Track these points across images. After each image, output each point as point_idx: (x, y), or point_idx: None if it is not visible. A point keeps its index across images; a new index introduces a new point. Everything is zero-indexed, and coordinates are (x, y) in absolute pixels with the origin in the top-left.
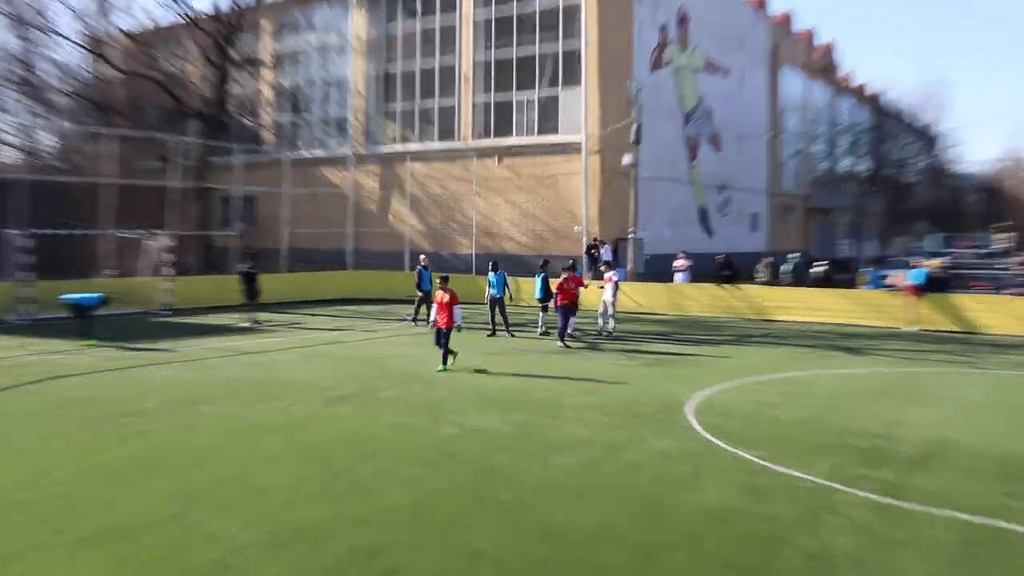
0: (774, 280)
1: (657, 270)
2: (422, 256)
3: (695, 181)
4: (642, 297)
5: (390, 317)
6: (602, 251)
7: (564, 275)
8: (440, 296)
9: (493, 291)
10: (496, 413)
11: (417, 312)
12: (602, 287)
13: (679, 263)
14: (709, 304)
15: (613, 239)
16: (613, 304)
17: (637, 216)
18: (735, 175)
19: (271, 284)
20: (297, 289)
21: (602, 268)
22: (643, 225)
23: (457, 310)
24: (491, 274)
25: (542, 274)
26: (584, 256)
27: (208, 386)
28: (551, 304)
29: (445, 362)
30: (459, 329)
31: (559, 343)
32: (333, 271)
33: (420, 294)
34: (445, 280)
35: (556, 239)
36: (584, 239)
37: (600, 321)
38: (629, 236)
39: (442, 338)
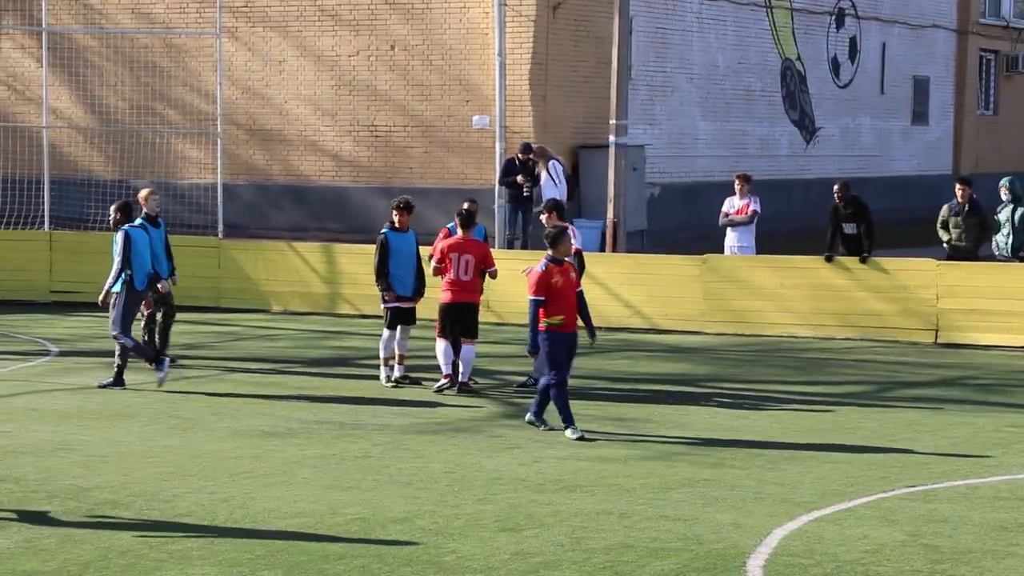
0: (977, 244)
1: (680, 224)
2: (144, 193)
3: (771, 2)
4: (640, 292)
5: (3, 345)
6: (543, 175)
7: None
8: None
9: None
10: None
11: (149, 336)
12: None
13: (733, 206)
14: (809, 306)
15: (567, 149)
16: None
17: (624, 92)
18: None
19: None
20: None
21: (542, 217)
22: (642, 114)
23: None
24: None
25: (397, 237)
26: (500, 189)
27: None
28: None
29: None
30: None
31: (533, 420)
32: None
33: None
34: None
35: (430, 148)
36: (499, 147)
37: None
38: (609, 142)
39: None
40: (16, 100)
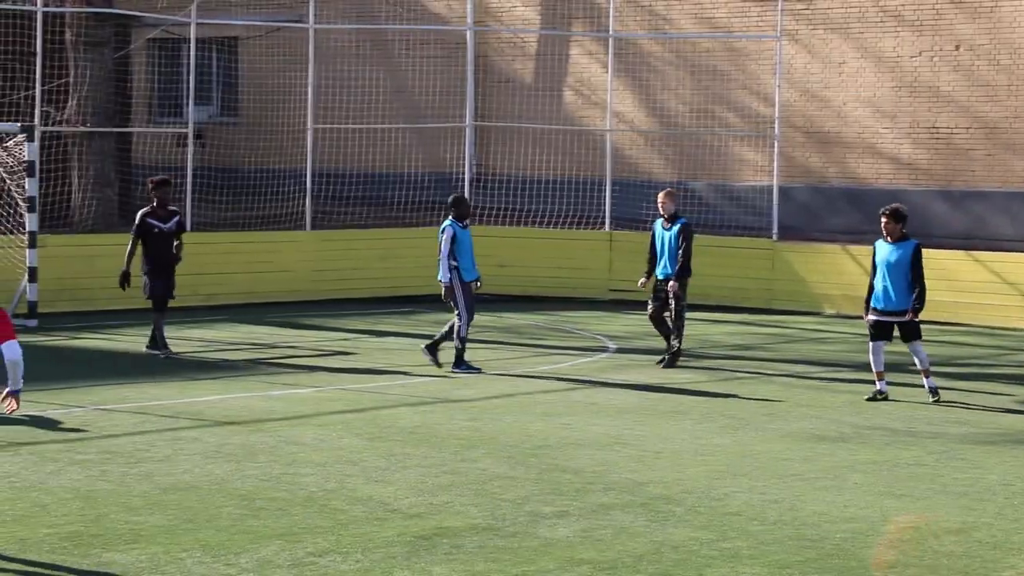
0: None
1: None
2: (664, 194)
3: None
4: None
5: (564, 340)
6: None
7: None
8: None
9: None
10: None
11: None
12: None
13: None
14: None
15: None
16: None
17: None
18: None
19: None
20: (331, 269)
21: None
22: None
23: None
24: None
25: (884, 247)
26: None
27: (131, 510)
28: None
29: None
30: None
31: None
32: (428, 227)
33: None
34: None
35: (994, 150)
36: None
37: None
38: None
39: None
40: (583, 104)
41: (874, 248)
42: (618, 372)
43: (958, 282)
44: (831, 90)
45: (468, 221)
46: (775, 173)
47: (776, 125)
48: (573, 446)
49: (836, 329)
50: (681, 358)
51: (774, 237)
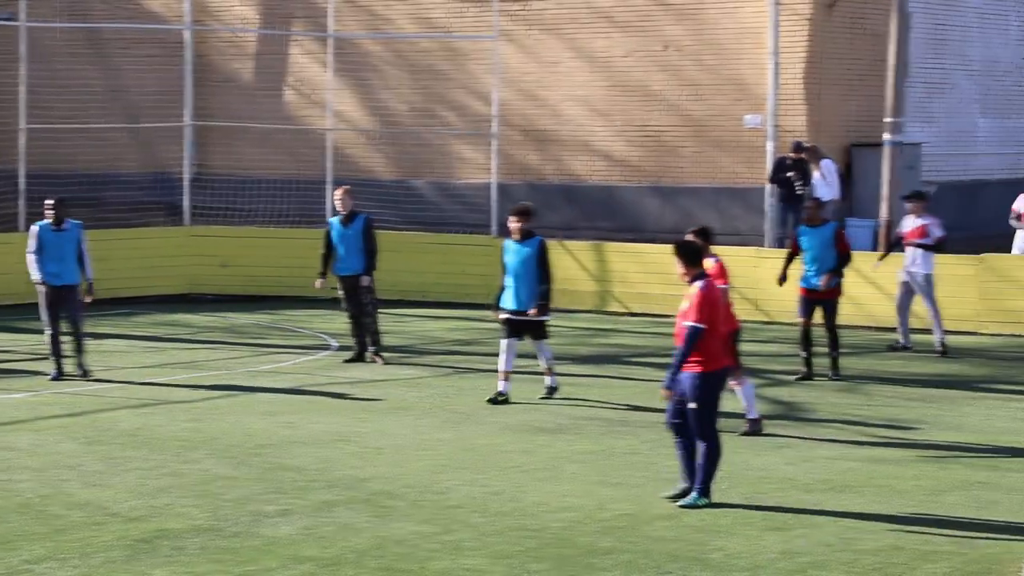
0: None
1: (957, 223)
2: (343, 191)
3: None
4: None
5: (286, 339)
6: (814, 174)
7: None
8: None
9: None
10: None
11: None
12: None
13: None
14: None
15: (840, 148)
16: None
17: (900, 89)
18: None
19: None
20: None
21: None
22: (918, 112)
23: None
24: None
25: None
26: (771, 187)
27: None
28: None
29: None
30: None
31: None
32: (146, 228)
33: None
34: None
35: (702, 147)
36: (771, 146)
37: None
38: (884, 141)
39: None
40: (304, 104)
41: (503, 248)
42: (340, 370)
43: (670, 275)
44: (547, 90)
45: (62, 225)
46: (494, 171)
47: (494, 124)
48: (295, 444)
49: (552, 323)
50: (386, 353)
51: (494, 234)
